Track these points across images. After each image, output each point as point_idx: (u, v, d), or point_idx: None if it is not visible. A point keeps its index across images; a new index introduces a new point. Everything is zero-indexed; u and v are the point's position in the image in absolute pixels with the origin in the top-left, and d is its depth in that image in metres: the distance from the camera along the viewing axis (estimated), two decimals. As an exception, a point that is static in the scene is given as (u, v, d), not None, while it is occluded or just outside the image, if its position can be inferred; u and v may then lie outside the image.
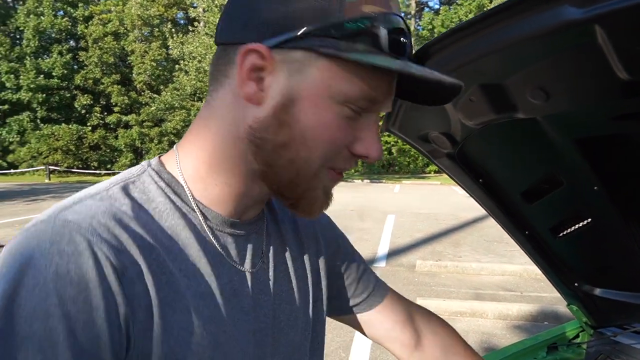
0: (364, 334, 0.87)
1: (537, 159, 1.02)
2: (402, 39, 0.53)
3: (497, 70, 0.72)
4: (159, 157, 0.62)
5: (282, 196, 0.60)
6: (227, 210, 0.60)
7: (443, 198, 13.79)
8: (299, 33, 0.50)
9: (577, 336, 1.58)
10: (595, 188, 1.03)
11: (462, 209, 11.02)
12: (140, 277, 0.49)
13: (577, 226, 1.18)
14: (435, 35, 26.89)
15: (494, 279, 5.58)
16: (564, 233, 1.21)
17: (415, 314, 0.87)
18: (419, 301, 4.40)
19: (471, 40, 0.70)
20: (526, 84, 0.71)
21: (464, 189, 1.20)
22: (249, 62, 0.52)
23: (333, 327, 4.02)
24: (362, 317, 0.85)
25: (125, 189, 0.55)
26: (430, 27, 27.07)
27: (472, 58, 0.72)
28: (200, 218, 0.58)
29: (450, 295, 4.94)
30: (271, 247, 0.68)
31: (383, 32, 0.51)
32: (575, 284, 1.34)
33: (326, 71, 0.51)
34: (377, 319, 0.84)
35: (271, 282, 0.65)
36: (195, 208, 0.58)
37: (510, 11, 0.61)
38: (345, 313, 0.84)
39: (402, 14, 0.56)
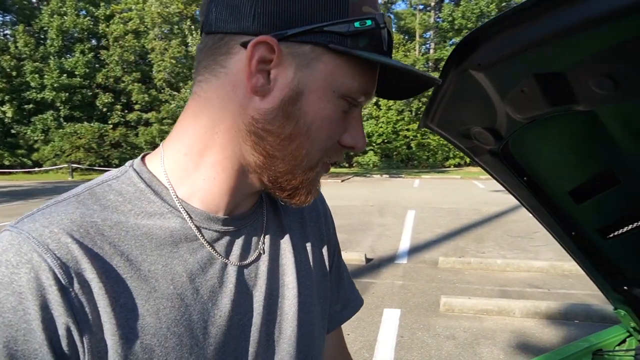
0: None
1: (591, 156, 0.93)
2: (388, 37, 0.56)
3: (557, 58, 0.64)
4: (143, 156, 0.62)
5: (278, 188, 0.59)
6: (214, 206, 0.59)
7: (464, 192, 13.59)
8: (310, 27, 0.51)
9: (623, 341, 1.49)
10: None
11: (484, 203, 10.83)
12: (89, 288, 0.49)
13: (630, 227, 1.09)
14: (456, 28, 26.48)
15: (519, 276, 5.45)
16: (615, 234, 1.12)
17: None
18: (443, 299, 4.32)
19: (528, 25, 0.63)
20: (592, 72, 0.63)
21: (505, 187, 1.12)
22: (259, 54, 0.52)
23: (356, 327, 3.97)
24: None
25: (98, 194, 0.55)
26: (450, 19, 26.67)
27: (528, 45, 0.65)
28: (185, 216, 0.57)
29: (475, 292, 4.82)
30: (269, 241, 0.67)
31: (380, 32, 0.54)
32: (625, 288, 1.25)
33: (332, 66, 0.53)
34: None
35: (266, 277, 0.64)
36: (179, 207, 0.57)
37: None
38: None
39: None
